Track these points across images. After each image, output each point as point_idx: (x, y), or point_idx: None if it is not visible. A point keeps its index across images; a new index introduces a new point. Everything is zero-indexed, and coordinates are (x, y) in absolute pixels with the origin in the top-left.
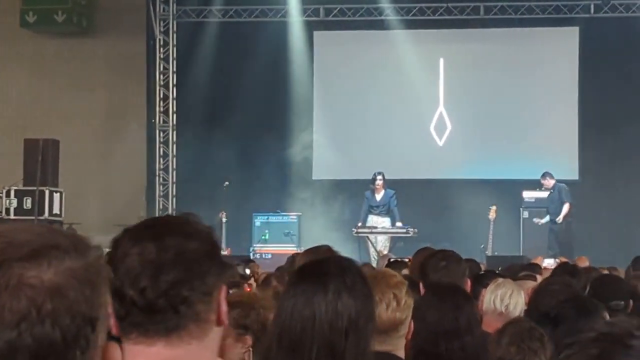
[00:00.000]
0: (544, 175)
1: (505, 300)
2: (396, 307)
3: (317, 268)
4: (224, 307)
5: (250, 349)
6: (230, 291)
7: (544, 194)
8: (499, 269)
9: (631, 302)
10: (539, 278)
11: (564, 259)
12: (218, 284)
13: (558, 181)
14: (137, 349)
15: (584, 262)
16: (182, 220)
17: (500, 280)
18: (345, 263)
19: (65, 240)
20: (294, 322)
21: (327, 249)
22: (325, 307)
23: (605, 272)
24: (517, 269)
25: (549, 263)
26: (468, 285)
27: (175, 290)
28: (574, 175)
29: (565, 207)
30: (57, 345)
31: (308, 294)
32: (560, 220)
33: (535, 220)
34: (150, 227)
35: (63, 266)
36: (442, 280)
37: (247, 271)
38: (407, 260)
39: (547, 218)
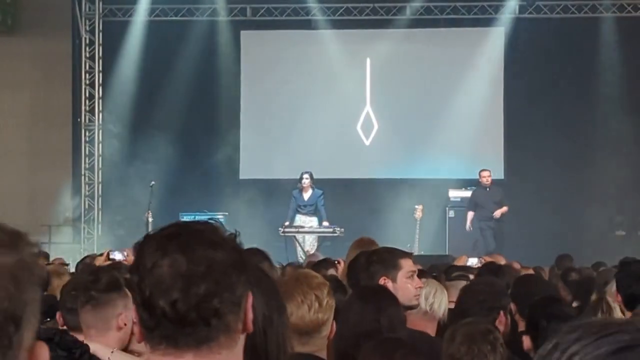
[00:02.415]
0: (485, 170)
1: (430, 299)
2: (318, 308)
3: None
4: (250, 315)
5: None
6: None
7: (470, 194)
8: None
9: None
10: (472, 278)
11: (488, 259)
12: (245, 293)
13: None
14: None
15: (500, 261)
16: (209, 228)
17: (424, 280)
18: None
19: (2, 235)
20: None
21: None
22: None
23: (531, 271)
24: (444, 269)
25: (473, 262)
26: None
27: (206, 303)
28: (500, 175)
29: (505, 208)
30: None
31: None
32: (498, 216)
33: (468, 226)
34: (177, 236)
35: None
36: (367, 281)
37: (120, 256)
38: (335, 261)
39: (470, 216)
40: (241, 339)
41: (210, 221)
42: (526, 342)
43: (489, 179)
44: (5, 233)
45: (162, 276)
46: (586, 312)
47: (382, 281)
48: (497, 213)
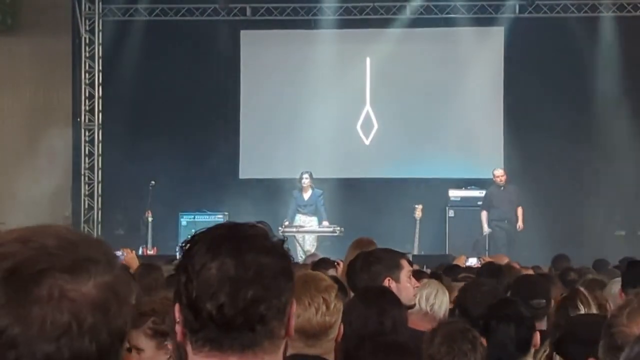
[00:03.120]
0: (498, 169)
1: (431, 300)
2: (325, 311)
3: None
4: (292, 321)
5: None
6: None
7: (470, 193)
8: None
9: (553, 301)
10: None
11: (487, 259)
12: (291, 300)
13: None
14: None
15: (502, 261)
16: (260, 232)
17: (425, 280)
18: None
19: (98, 251)
20: None
21: None
22: None
23: (530, 271)
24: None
25: (472, 262)
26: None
27: (253, 309)
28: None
29: (520, 211)
30: (92, 359)
31: None
32: (521, 227)
33: (485, 230)
34: (227, 239)
35: (101, 280)
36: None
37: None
38: (335, 262)
39: (484, 217)
40: (283, 344)
41: (259, 225)
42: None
43: (503, 178)
44: (98, 248)
45: (210, 279)
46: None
47: (386, 282)
48: (521, 224)
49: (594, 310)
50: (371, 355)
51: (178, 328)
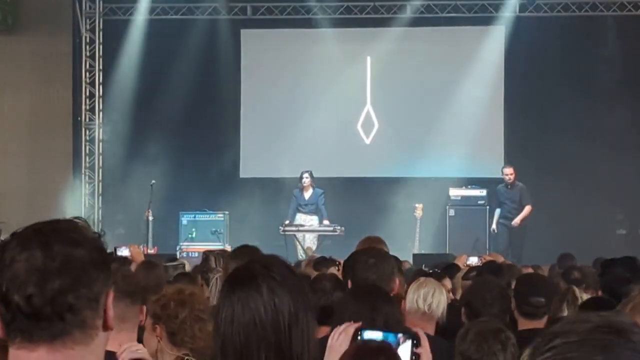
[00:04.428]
0: (506, 167)
1: (428, 300)
2: None
3: (245, 272)
4: (110, 313)
5: (161, 338)
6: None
7: (471, 192)
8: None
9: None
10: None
11: (488, 257)
12: (105, 290)
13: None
14: (19, 354)
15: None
16: (71, 226)
17: (422, 279)
18: (270, 260)
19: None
20: (236, 331)
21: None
22: (263, 309)
23: (530, 270)
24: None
25: (473, 261)
26: (397, 283)
27: (61, 298)
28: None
29: (526, 210)
30: None
31: (243, 299)
32: (518, 224)
33: (493, 227)
34: (38, 232)
35: None
36: (370, 278)
37: (127, 252)
38: (337, 262)
39: (497, 214)
40: (101, 337)
41: (75, 220)
42: None
43: (511, 177)
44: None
45: (19, 270)
46: (553, 302)
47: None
48: (517, 221)
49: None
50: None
51: None
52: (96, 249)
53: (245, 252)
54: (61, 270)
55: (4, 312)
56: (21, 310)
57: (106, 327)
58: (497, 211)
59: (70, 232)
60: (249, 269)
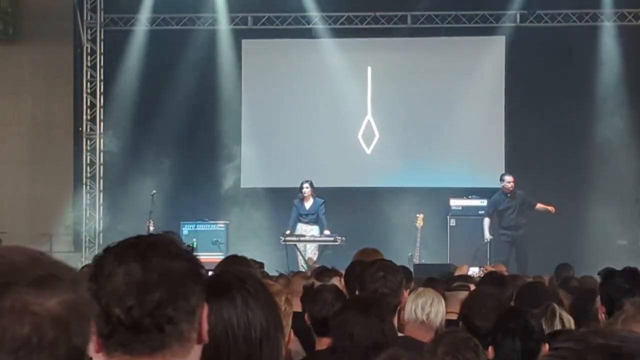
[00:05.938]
0: (506, 174)
1: (427, 309)
2: None
3: (220, 283)
4: (205, 325)
5: None
6: None
7: (472, 202)
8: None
9: None
10: (473, 288)
11: (490, 268)
12: (201, 302)
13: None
14: None
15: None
16: (167, 239)
17: (421, 289)
18: (244, 273)
19: (64, 270)
20: (208, 341)
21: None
22: (236, 320)
23: (530, 280)
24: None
25: (474, 272)
26: (405, 296)
27: (160, 310)
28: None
29: (540, 205)
30: None
31: (216, 310)
32: (542, 208)
33: (487, 237)
34: (134, 246)
35: (64, 297)
36: (378, 291)
37: None
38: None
39: (487, 224)
40: (196, 350)
41: (167, 234)
42: (490, 351)
43: (513, 185)
44: (65, 268)
45: (117, 284)
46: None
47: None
48: (551, 209)
49: (556, 326)
50: None
51: (93, 339)
52: (192, 261)
53: (232, 262)
54: (160, 283)
55: (102, 327)
56: (121, 322)
57: (200, 340)
58: (486, 221)
59: (167, 245)
60: (223, 280)
